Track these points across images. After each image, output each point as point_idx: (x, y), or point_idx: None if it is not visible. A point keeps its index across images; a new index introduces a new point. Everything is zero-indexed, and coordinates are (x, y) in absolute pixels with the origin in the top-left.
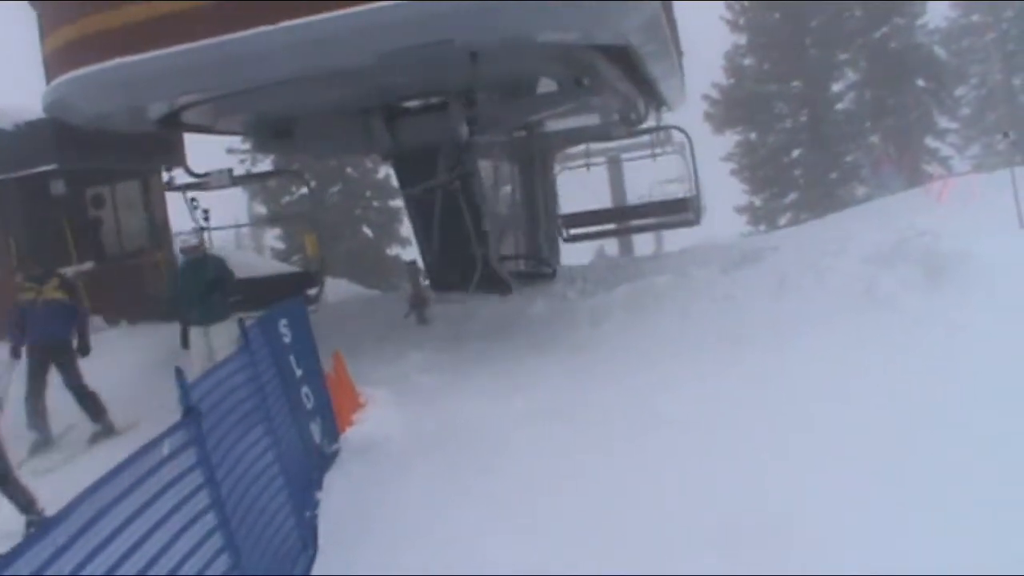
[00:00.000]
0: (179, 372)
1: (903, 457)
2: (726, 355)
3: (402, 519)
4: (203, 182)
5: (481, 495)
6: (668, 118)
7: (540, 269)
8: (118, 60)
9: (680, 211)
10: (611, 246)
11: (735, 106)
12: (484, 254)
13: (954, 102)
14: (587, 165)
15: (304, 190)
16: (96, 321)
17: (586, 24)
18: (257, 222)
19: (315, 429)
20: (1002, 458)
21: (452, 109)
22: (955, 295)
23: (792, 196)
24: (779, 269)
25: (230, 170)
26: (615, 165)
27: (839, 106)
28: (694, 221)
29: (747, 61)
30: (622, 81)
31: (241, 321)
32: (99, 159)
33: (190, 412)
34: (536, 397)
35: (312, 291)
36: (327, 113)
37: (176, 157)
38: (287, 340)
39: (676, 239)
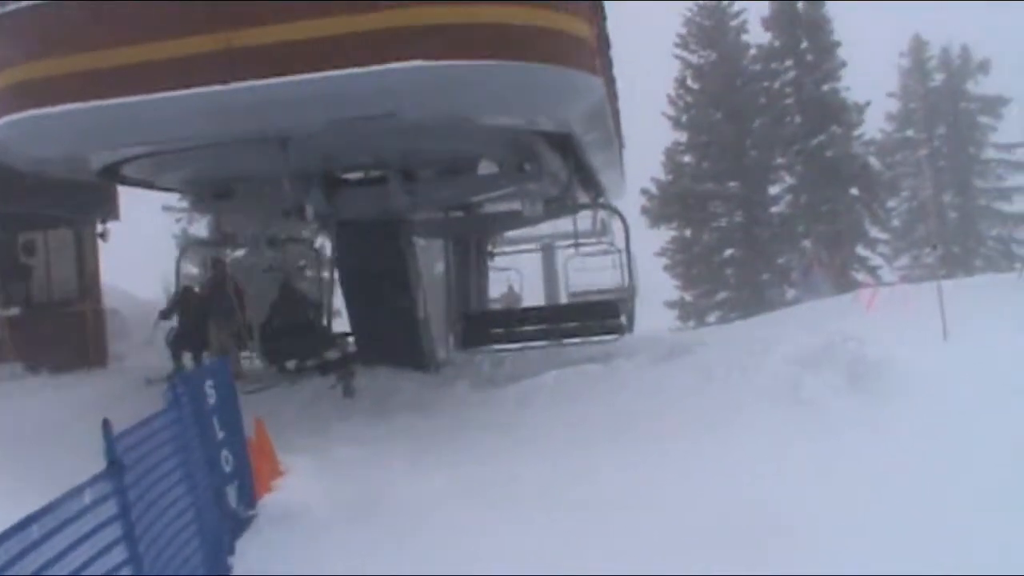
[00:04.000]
0: (106, 424)
1: (816, 553)
2: (651, 445)
3: None
4: (227, 240)
5: (399, 570)
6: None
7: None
8: (63, 107)
9: (610, 315)
10: None
11: (672, 202)
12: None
13: (886, 213)
14: (495, 253)
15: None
16: (15, 368)
17: (529, 110)
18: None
19: (232, 493)
20: (918, 559)
21: (392, 183)
22: (877, 401)
23: (723, 294)
24: (707, 364)
25: (234, 235)
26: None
27: (774, 209)
28: (625, 328)
29: (687, 158)
30: (563, 169)
31: (171, 377)
32: (33, 205)
33: (113, 464)
34: (458, 474)
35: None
36: (267, 176)
37: (111, 209)
38: (212, 401)
39: None
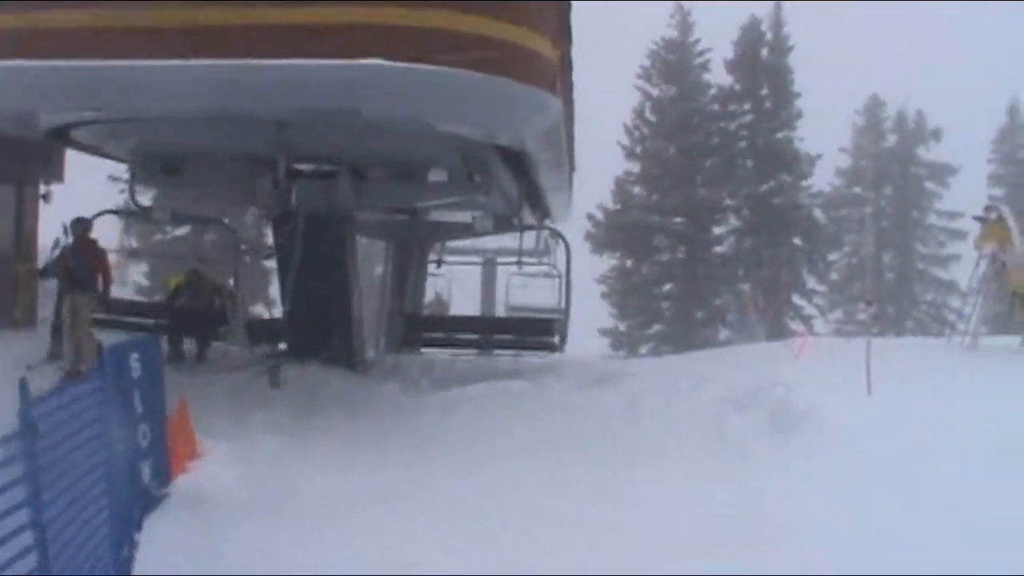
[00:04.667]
0: (23, 385)
1: None
2: (572, 468)
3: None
4: (144, 213)
5: (302, 567)
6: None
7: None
8: (17, 61)
9: (544, 332)
10: None
11: (617, 230)
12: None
13: (825, 265)
14: (439, 262)
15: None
16: None
17: (487, 121)
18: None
19: (146, 469)
20: None
21: (341, 179)
22: (799, 447)
23: (657, 327)
24: (635, 394)
25: (173, 209)
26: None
27: (717, 248)
28: (557, 347)
29: (636, 189)
30: (513, 185)
31: (98, 345)
32: None
33: (27, 427)
34: (376, 477)
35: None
36: (219, 158)
37: (55, 171)
38: (135, 375)
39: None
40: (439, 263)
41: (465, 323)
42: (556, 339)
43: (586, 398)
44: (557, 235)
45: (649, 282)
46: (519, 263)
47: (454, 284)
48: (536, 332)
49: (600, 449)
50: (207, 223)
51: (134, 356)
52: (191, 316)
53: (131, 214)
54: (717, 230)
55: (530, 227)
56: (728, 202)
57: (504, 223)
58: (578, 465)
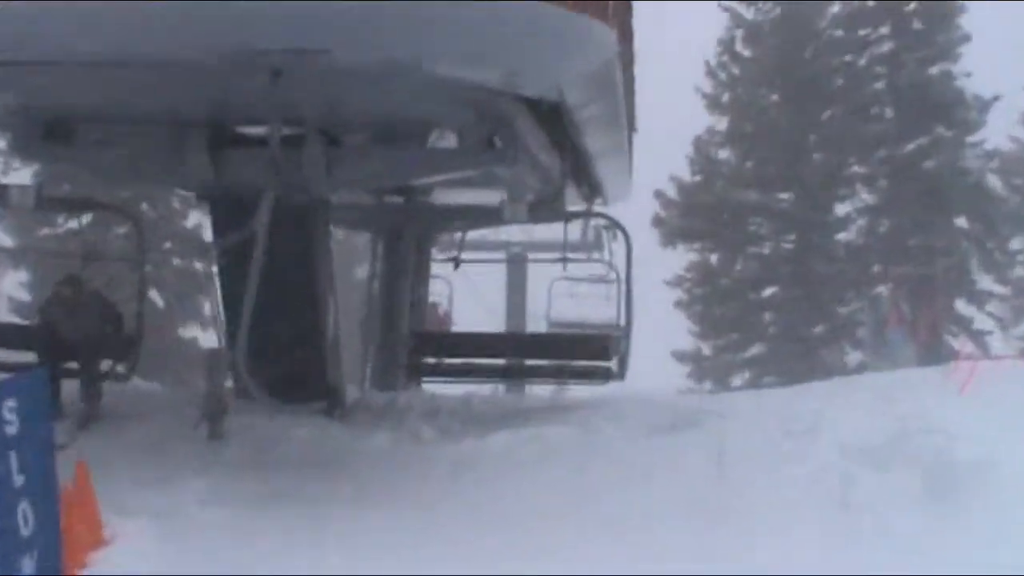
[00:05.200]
0: None
1: None
2: (629, 552)
3: None
4: None
5: None
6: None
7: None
8: None
9: (597, 355)
10: None
11: (697, 213)
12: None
13: (1006, 257)
14: (455, 260)
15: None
16: None
17: (507, 59)
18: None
19: (28, 564)
20: None
21: (308, 148)
22: (966, 521)
23: (756, 349)
24: (723, 444)
25: (39, 188)
26: (518, 269)
27: (841, 236)
28: (616, 375)
29: (723, 154)
30: (546, 151)
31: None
32: None
33: None
34: (355, 563)
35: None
36: (129, 119)
37: None
38: (11, 431)
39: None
40: (456, 263)
41: (488, 343)
42: (614, 364)
43: (654, 450)
44: (613, 225)
45: (744, 285)
46: (563, 261)
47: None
48: (586, 354)
49: (667, 524)
50: (96, 209)
51: (8, 405)
52: (65, 345)
53: None
54: (841, 209)
55: (578, 214)
56: (856, 169)
57: (541, 209)
58: (634, 550)
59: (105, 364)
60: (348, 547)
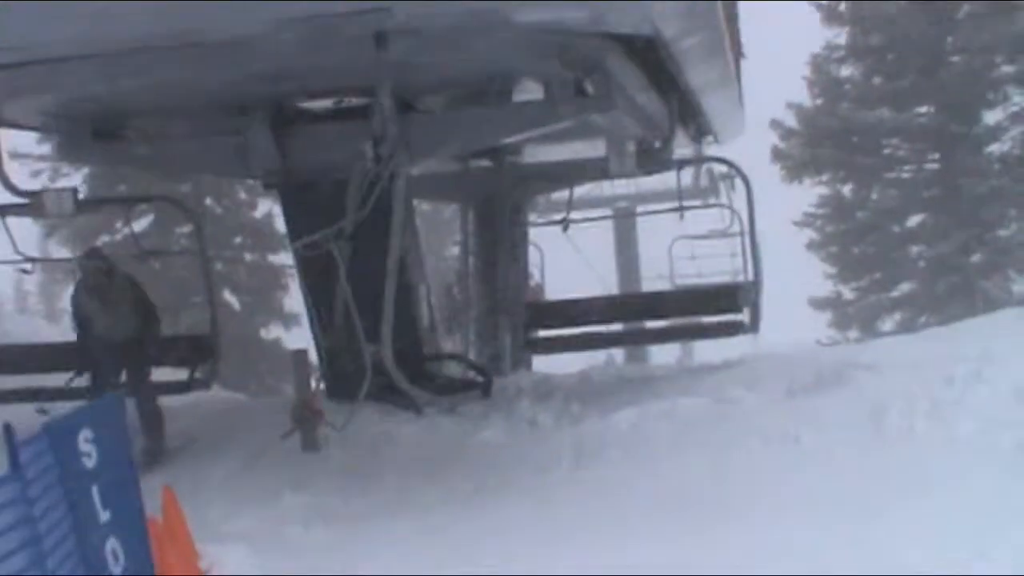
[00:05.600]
0: None
1: None
2: (784, 530)
3: None
4: (30, 204)
5: None
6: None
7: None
8: None
9: (726, 307)
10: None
11: (821, 141)
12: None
13: None
14: (563, 222)
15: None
16: None
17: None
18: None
19: None
20: None
21: (376, 116)
22: None
23: (904, 287)
24: (876, 400)
25: (74, 191)
26: (626, 226)
27: (993, 147)
28: (748, 327)
29: (846, 70)
30: (645, 92)
31: (8, 429)
32: None
33: None
34: (480, 571)
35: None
36: (182, 108)
37: None
38: (90, 464)
39: (715, 344)
40: (565, 224)
41: (608, 308)
42: (745, 315)
43: (798, 413)
44: (730, 168)
45: (883, 216)
46: (679, 210)
47: (560, 253)
48: (714, 308)
49: (823, 495)
50: (139, 203)
51: (84, 435)
52: (105, 348)
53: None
54: (990, 117)
55: (691, 161)
56: (1005, 69)
57: (650, 158)
58: (790, 526)
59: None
60: (468, 557)
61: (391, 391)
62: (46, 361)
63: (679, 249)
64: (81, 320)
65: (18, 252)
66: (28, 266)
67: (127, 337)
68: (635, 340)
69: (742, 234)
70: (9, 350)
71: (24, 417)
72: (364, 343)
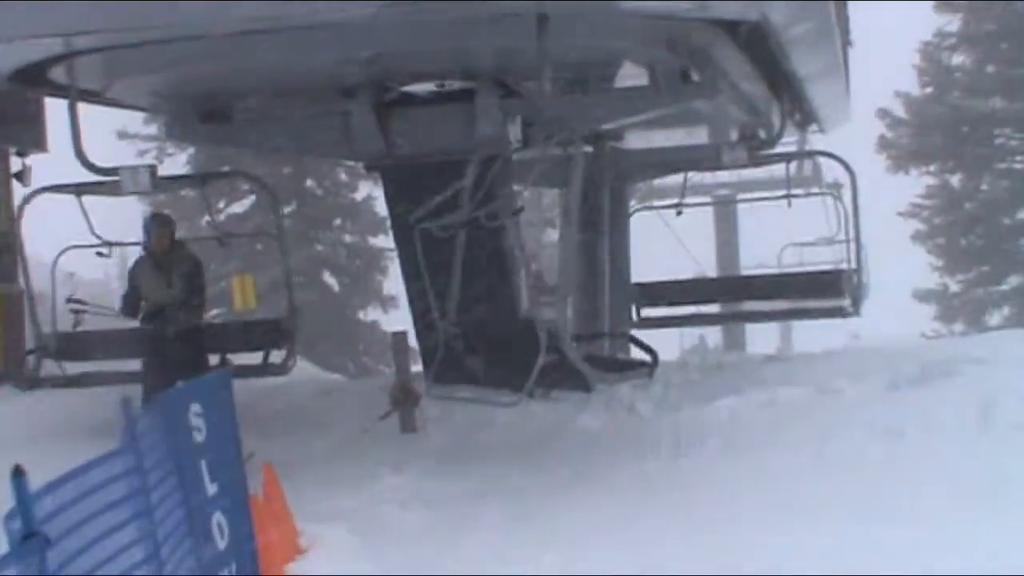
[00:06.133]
0: (18, 475)
1: None
2: (890, 526)
3: None
4: (108, 182)
5: None
6: (820, 144)
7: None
8: None
9: (829, 292)
10: (713, 335)
11: (930, 130)
12: (549, 329)
13: None
14: (677, 206)
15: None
16: None
17: None
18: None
19: None
20: None
21: (482, 101)
22: None
23: (1014, 280)
24: (985, 394)
25: (152, 167)
26: (726, 212)
27: None
28: (851, 311)
29: (957, 58)
30: (750, 80)
31: (126, 402)
32: None
33: (31, 539)
34: (574, 558)
35: (277, 354)
36: (287, 91)
37: (33, 136)
38: (199, 438)
39: (815, 334)
40: (679, 209)
41: (714, 289)
42: (847, 301)
43: (903, 405)
44: (833, 159)
45: (993, 207)
46: (787, 197)
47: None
48: (817, 292)
49: (929, 491)
50: (217, 181)
51: (194, 410)
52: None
53: (86, 187)
54: None
55: (801, 154)
56: None
57: (755, 147)
58: (895, 521)
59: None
60: (564, 544)
61: (557, 370)
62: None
63: (783, 236)
64: (131, 279)
65: (95, 234)
66: (105, 250)
67: (167, 303)
68: (740, 319)
69: (846, 223)
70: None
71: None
72: (540, 322)
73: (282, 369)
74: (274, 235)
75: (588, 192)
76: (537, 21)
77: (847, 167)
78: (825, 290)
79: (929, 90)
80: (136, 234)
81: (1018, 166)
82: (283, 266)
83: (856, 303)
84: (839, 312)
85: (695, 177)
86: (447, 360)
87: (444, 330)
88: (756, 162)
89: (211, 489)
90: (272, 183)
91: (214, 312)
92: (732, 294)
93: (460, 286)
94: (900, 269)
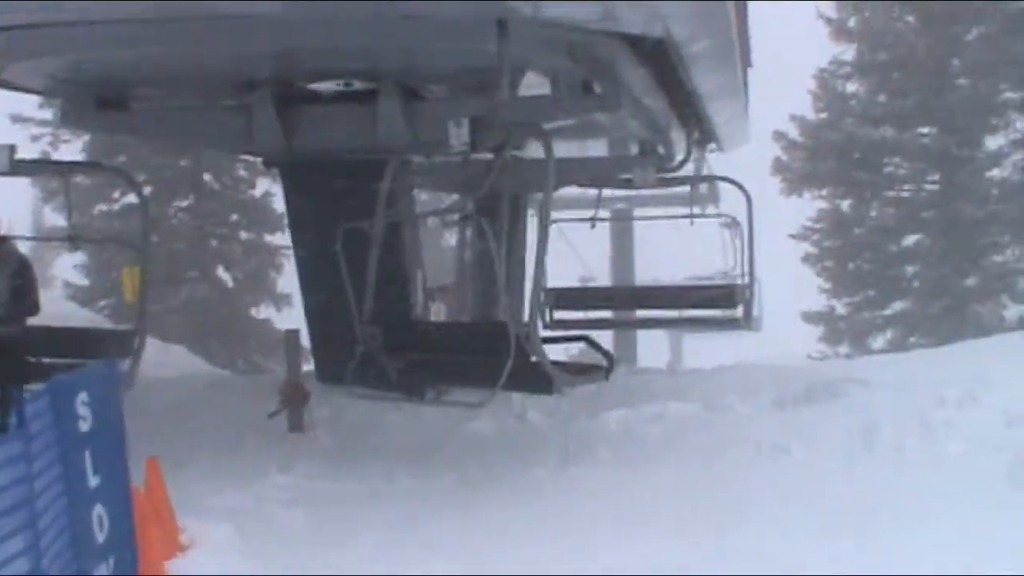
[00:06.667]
0: None
1: None
2: (768, 539)
3: None
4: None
5: None
6: (718, 163)
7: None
8: None
9: (725, 304)
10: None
11: (824, 155)
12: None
13: None
14: (591, 220)
15: (131, 197)
16: None
17: None
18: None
19: (102, 573)
20: None
21: (383, 102)
22: None
23: (898, 305)
24: (867, 416)
25: (12, 147)
26: (621, 227)
27: (993, 172)
28: (744, 323)
29: (852, 86)
30: (652, 95)
31: (6, 390)
32: None
33: None
34: (457, 566)
35: (127, 360)
36: (186, 82)
37: None
38: (85, 428)
39: (707, 351)
40: (593, 222)
41: (618, 296)
42: (740, 311)
43: (789, 424)
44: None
45: (881, 234)
46: (690, 217)
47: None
48: (711, 303)
49: (810, 512)
50: (84, 173)
51: (81, 399)
52: None
53: None
54: (992, 143)
55: (705, 178)
56: (1009, 95)
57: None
58: (778, 545)
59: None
60: (450, 548)
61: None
62: None
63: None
64: None
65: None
66: None
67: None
68: (644, 326)
69: (740, 238)
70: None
71: None
72: (512, 321)
73: (128, 381)
74: (131, 243)
75: (486, 199)
76: (497, 26)
77: (744, 191)
78: (719, 301)
79: (824, 115)
80: None
81: (905, 195)
82: (140, 272)
83: (748, 316)
84: (734, 324)
85: (584, 191)
86: (365, 361)
87: (361, 330)
88: (661, 183)
89: (93, 481)
90: (168, 176)
91: (102, 303)
92: (637, 302)
93: (375, 286)
94: (790, 290)
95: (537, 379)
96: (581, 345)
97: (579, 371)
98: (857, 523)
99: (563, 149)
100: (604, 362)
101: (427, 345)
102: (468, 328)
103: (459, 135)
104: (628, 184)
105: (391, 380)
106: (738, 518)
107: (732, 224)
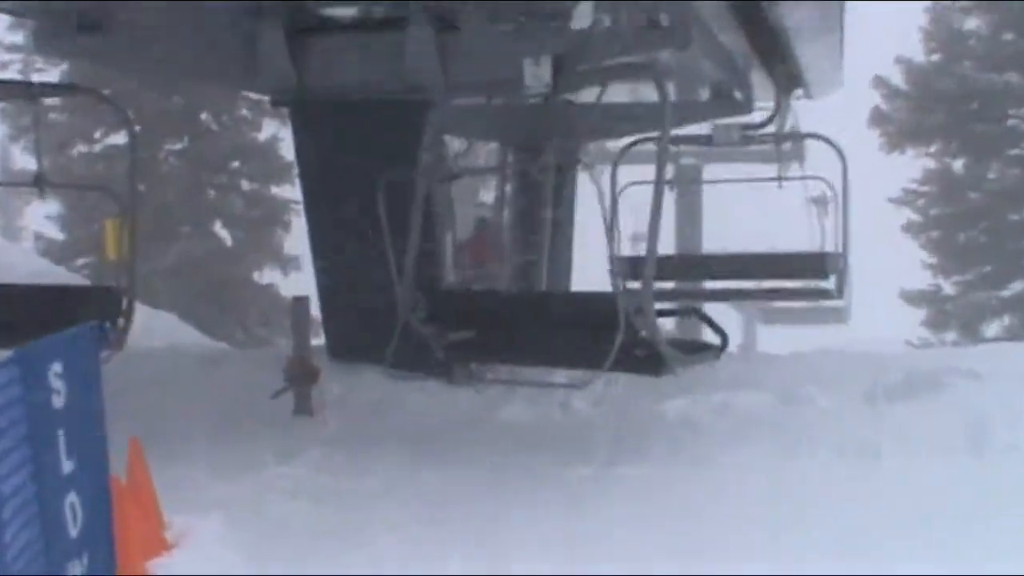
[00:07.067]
0: None
1: None
2: (853, 564)
3: None
4: None
5: None
6: (805, 115)
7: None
8: None
9: (812, 274)
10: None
11: (933, 105)
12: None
13: None
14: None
15: (116, 138)
16: None
17: None
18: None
19: (76, 572)
20: None
21: (412, 31)
22: None
23: (1018, 286)
24: (977, 414)
25: None
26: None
27: None
28: (834, 294)
29: (971, 22)
30: (729, 31)
31: None
32: None
33: None
34: (484, 569)
35: (111, 323)
36: (180, 2)
37: None
38: (58, 403)
39: (785, 335)
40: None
41: (691, 266)
42: (831, 283)
43: (880, 421)
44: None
45: (1002, 200)
46: (778, 180)
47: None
48: (800, 272)
49: (905, 525)
50: (55, 93)
51: (55, 370)
52: None
53: None
54: None
55: (792, 136)
56: None
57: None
58: (861, 563)
59: None
60: (474, 550)
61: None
62: None
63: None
64: None
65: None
66: None
67: None
68: (724, 297)
69: (835, 206)
70: None
71: None
72: (621, 295)
73: (115, 345)
74: (113, 191)
75: (525, 152)
76: None
77: (839, 151)
78: (809, 270)
79: (935, 57)
80: None
81: None
82: (127, 221)
83: (840, 288)
84: (823, 295)
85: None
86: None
87: (403, 300)
88: (745, 141)
89: (67, 465)
90: (159, 114)
91: (80, 261)
92: (718, 272)
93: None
94: (887, 265)
95: (645, 358)
96: None
97: (692, 350)
98: (961, 543)
99: (614, 92)
100: (717, 340)
101: (493, 318)
102: (555, 299)
103: (538, 75)
104: (707, 141)
105: (438, 359)
106: (813, 537)
107: (823, 192)
